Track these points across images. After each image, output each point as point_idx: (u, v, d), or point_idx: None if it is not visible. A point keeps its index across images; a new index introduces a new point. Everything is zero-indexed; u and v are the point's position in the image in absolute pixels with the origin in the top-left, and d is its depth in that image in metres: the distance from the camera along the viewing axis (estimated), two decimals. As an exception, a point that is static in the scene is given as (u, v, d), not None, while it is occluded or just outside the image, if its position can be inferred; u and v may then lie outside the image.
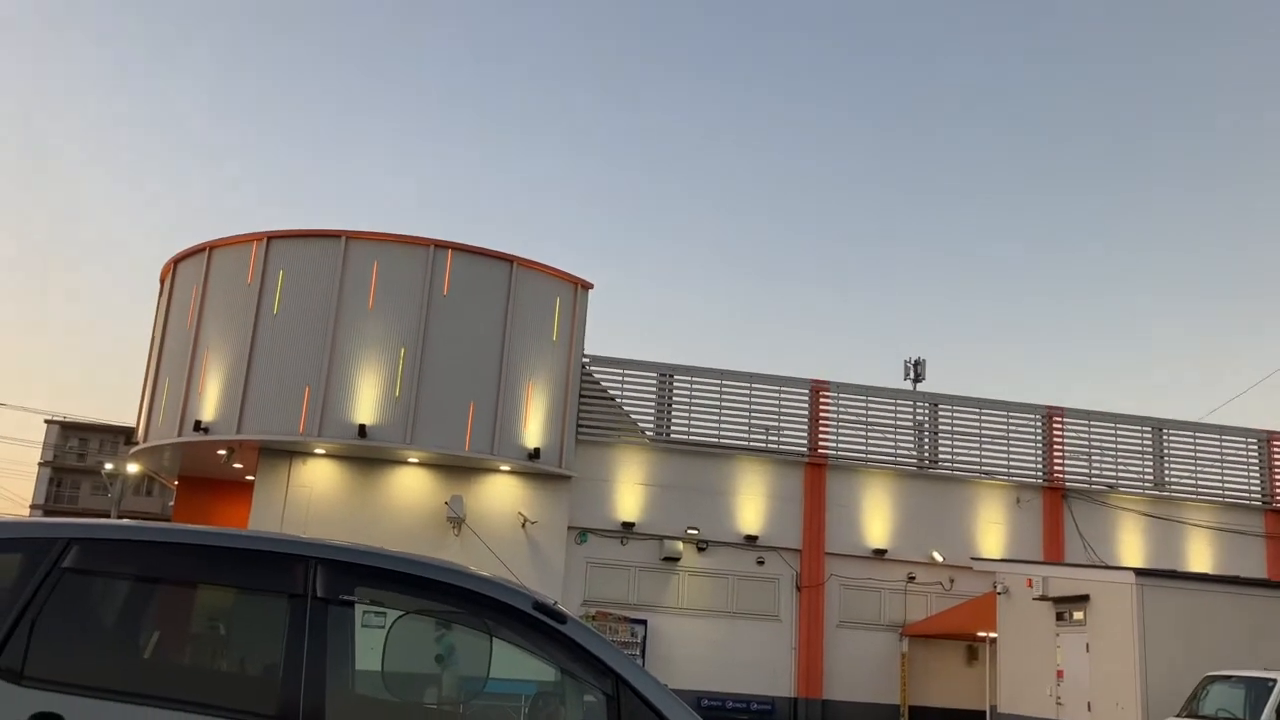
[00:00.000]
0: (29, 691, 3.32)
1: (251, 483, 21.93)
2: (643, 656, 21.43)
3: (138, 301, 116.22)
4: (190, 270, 22.73)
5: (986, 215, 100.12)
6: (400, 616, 3.80)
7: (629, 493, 22.96)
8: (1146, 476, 25.20)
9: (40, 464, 64.31)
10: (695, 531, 22.92)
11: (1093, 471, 25.05)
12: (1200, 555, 24.50)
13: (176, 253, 23.33)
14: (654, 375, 23.89)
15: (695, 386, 23.97)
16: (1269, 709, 13.33)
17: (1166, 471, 25.29)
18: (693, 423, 23.77)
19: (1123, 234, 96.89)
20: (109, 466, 41.19)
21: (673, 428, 23.75)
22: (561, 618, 3.68)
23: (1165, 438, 25.46)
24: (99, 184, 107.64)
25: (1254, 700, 13.66)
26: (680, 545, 22.81)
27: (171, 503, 27.25)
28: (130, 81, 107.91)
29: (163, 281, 24.10)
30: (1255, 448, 25.75)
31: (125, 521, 4.03)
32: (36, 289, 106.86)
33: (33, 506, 61.79)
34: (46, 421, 63.96)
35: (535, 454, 21.53)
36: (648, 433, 23.68)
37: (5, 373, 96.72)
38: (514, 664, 3.82)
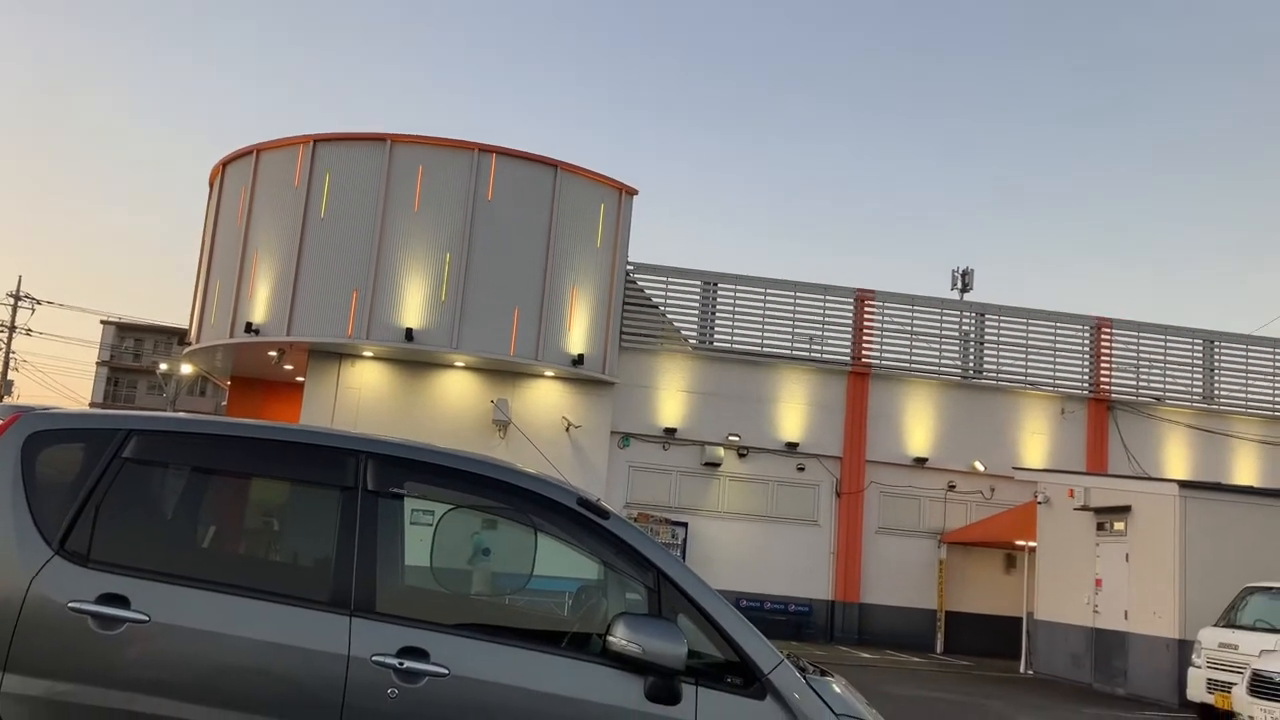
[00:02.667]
0: (95, 574, 3.48)
1: (302, 384, 22.38)
2: (683, 558, 21.84)
3: (190, 204, 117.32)
4: (238, 173, 22.89)
5: (1041, 126, 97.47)
6: (448, 511, 3.92)
7: (671, 399, 23.14)
8: (1195, 389, 24.91)
9: (98, 363, 65.82)
10: (736, 438, 23.10)
11: (1140, 383, 24.81)
12: (1247, 468, 24.31)
13: (225, 155, 23.48)
14: (698, 283, 23.85)
15: (739, 294, 23.91)
16: (1308, 620, 13.33)
17: (1216, 384, 24.97)
18: (736, 331, 23.79)
19: (1176, 148, 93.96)
20: (163, 367, 42.11)
21: (716, 335, 23.79)
22: (605, 513, 3.78)
23: (1216, 350, 25.09)
24: (148, 87, 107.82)
25: (1293, 611, 13.66)
26: (721, 451, 23.04)
27: (224, 402, 27.90)
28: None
29: (212, 184, 24.31)
30: (1309, 362, 25.30)
31: (183, 415, 4.17)
32: (91, 191, 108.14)
33: (91, 404, 63.48)
34: (103, 322, 65.25)
35: (579, 360, 21.70)
36: (691, 340, 23.75)
37: (62, 274, 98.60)
38: (558, 560, 3.94)
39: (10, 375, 42.08)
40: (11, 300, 41.69)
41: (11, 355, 42.29)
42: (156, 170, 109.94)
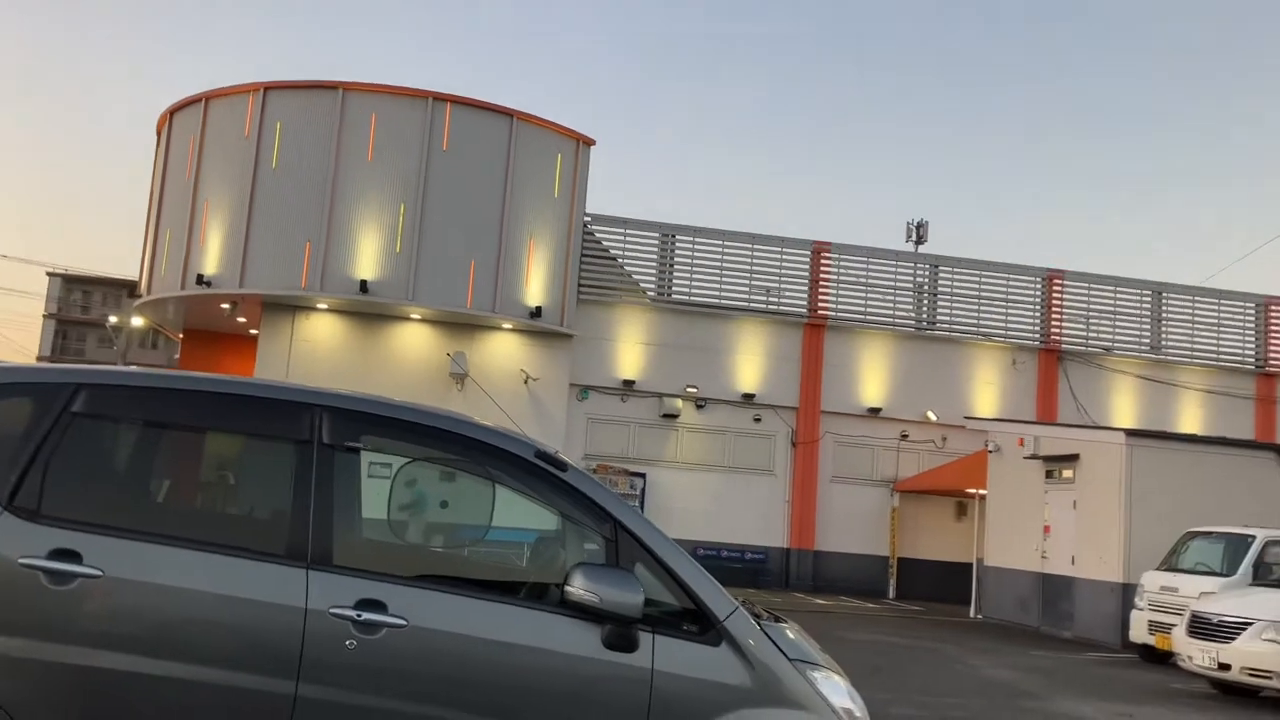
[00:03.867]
0: (46, 529, 3.45)
1: (256, 337, 22.12)
2: (642, 508, 22.01)
3: (138, 152, 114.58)
4: (186, 122, 22.38)
5: (996, 80, 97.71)
6: (406, 464, 3.92)
7: (630, 351, 23.18)
8: (1143, 340, 25.38)
9: (45, 316, 64.54)
10: (694, 389, 23.23)
11: (1090, 334, 25.22)
12: (1191, 417, 24.89)
13: (172, 104, 22.94)
14: (655, 235, 23.82)
15: (697, 246, 23.92)
16: (1245, 563, 13.74)
17: (1163, 334, 25.45)
18: (694, 283, 23.83)
19: (1128, 103, 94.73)
20: (113, 319, 41.42)
21: (674, 288, 23.81)
22: (563, 465, 3.81)
23: (1164, 302, 25.54)
24: (97, 34, 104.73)
25: (1231, 555, 14.06)
26: (679, 402, 23.17)
27: (177, 356, 27.53)
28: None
29: (159, 133, 23.76)
30: (1252, 312, 25.84)
31: (134, 368, 4.12)
32: (38, 141, 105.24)
33: (39, 358, 62.33)
34: (49, 274, 63.90)
35: (537, 312, 21.63)
36: (649, 292, 23.75)
37: (7, 225, 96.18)
38: (516, 512, 3.97)
39: (-46, 329, 41.10)
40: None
41: (-46, 308, 41.29)
42: (103, 117, 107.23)
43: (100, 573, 3.41)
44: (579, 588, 3.48)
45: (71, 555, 3.42)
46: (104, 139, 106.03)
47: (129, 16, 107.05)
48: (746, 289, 23.98)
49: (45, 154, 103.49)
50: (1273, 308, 25.81)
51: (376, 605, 3.45)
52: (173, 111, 22.87)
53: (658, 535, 3.77)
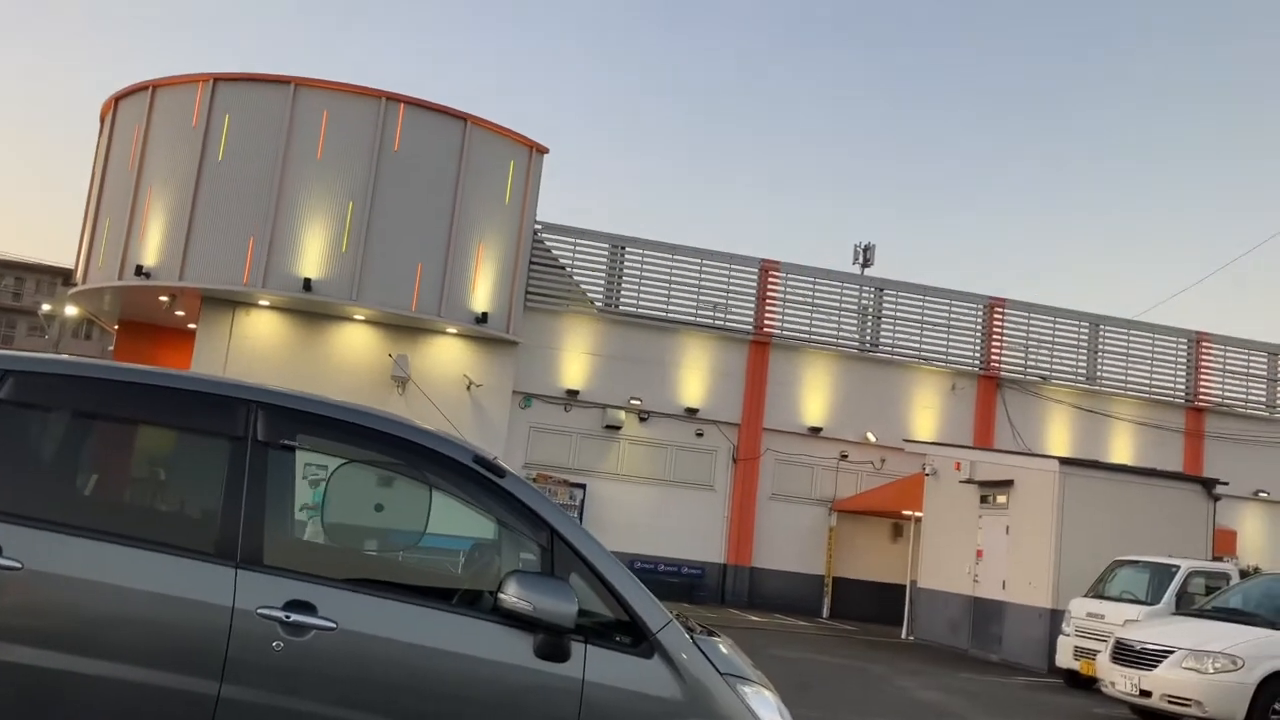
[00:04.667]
0: None
1: (194, 331, 21.72)
2: (581, 519, 21.94)
3: (77, 136, 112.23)
4: (132, 109, 21.97)
5: (949, 109, 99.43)
6: (341, 465, 3.86)
7: (575, 361, 23.14)
8: (1080, 370, 25.90)
9: (-26, 302, 62.76)
10: (638, 402, 23.24)
11: (1028, 362, 25.68)
12: (1123, 448, 25.43)
13: (119, 90, 22.50)
14: (605, 246, 23.83)
15: (646, 259, 23.97)
16: (1169, 592, 14.05)
17: (1099, 366, 26.00)
18: (642, 295, 23.87)
19: (1075, 132, 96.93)
20: (46, 307, 40.44)
21: (622, 299, 23.82)
22: (500, 471, 3.77)
23: (1101, 333, 26.09)
24: (35, 15, 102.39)
25: (1157, 584, 14.38)
26: (622, 414, 23.17)
27: (111, 347, 26.93)
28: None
29: (103, 119, 23.29)
30: (1185, 348, 26.50)
31: (64, 356, 4.02)
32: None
33: (-34, 344, 60.59)
34: (-21, 258, 62.15)
35: (483, 318, 21.52)
36: (596, 303, 23.74)
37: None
38: (452, 519, 3.92)
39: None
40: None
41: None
42: (40, 99, 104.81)
43: (19, 565, 3.31)
44: (512, 595, 3.44)
45: (-11, 546, 3.31)
46: (44, 121, 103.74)
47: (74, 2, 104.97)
48: (694, 304, 24.07)
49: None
50: (1204, 343, 26.50)
51: (306, 607, 3.39)
52: (118, 98, 22.43)
53: (594, 545, 3.75)
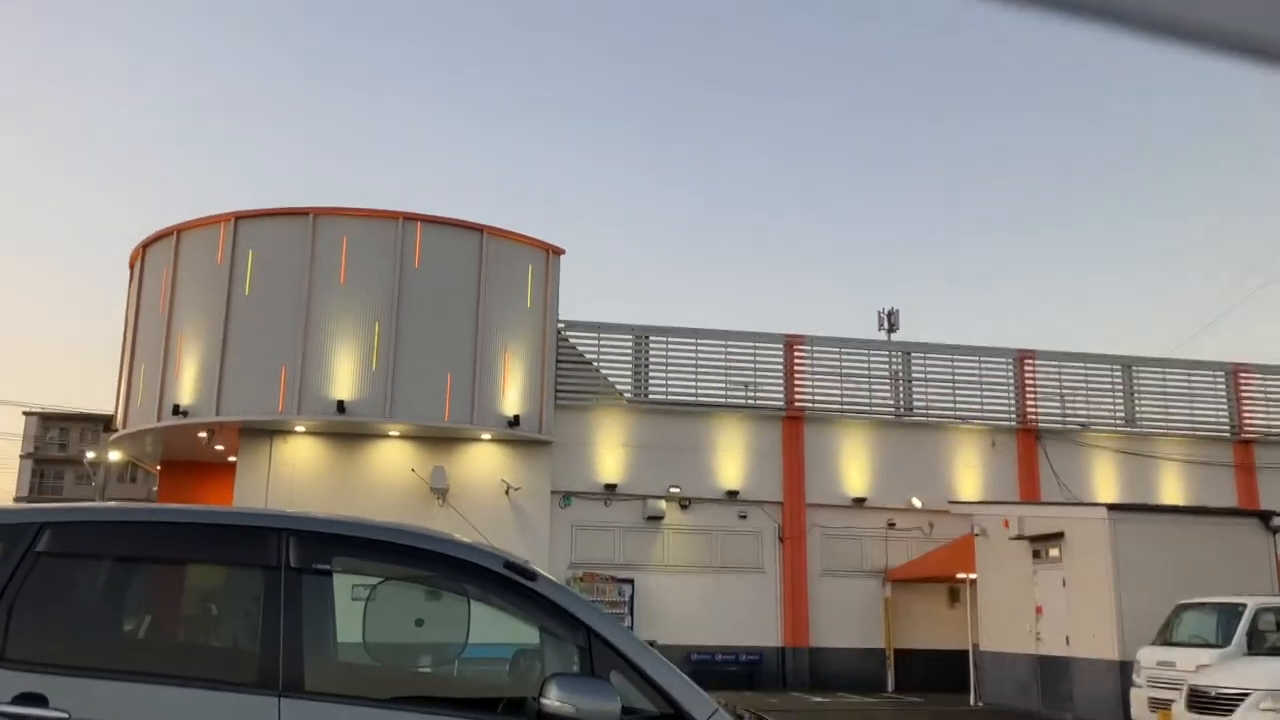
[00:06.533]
0: (12, 673, 3.42)
1: (234, 464, 21.99)
2: (631, 615, 21.73)
3: (108, 289, 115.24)
4: (159, 254, 22.64)
5: (956, 164, 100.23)
6: (378, 584, 3.93)
7: (610, 454, 23.15)
8: (1118, 413, 25.58)
9: (22, 456, 63.95)
10: (677, 490, 23.15)
11: (1065, 411, 25.41)
12: (1171, 488, 24.95)
13: (145, 237, 23.22)
14: (629, 337, 24.02)
15: (671, 346, 24.12)
16: (1239, 633, 13.68)
17: (1137, 407, 25.67)
18: (670, 382, 23.95)
19: (1090, 173, 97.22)
20: (90, 455, 41.10)
21: (650, 388, 23.92)
22: (532, 575, 3.82)
23: (1135, 375, 25.82)
24: (59, 173, 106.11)
25: (1225, 625, 14.01)
26: (663, 504, 23.05)
27: (155, 488, 27.28)
28: (94, 66, 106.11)
29: (132, 267, 24.00)
30: (1222, 380, 26.16)
31: (96, 504, 4.15)
32: (3, 281, 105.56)
33: (16, 498, 61.50)
34: (25, 413, 63.56)
35: (515, 421, 21.66)
36: (625, 394, 23.84)
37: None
38: (493, 627, 3.96)
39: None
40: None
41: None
42: (67, 253, 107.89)
43: (66, 715, 3.38)
44: (554, 699, 3.46)
45: (37, 699, 3.38)
46: (74, 274, 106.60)
47: (95, 158, 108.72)
48: (723, 385, 24.12)
49: (12, 294, 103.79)
50: (1241, 374, 26.15)
51: (350, 730, 3.42)
52: (146, 245, 23.14)
53: (631, 640, 3.77)
